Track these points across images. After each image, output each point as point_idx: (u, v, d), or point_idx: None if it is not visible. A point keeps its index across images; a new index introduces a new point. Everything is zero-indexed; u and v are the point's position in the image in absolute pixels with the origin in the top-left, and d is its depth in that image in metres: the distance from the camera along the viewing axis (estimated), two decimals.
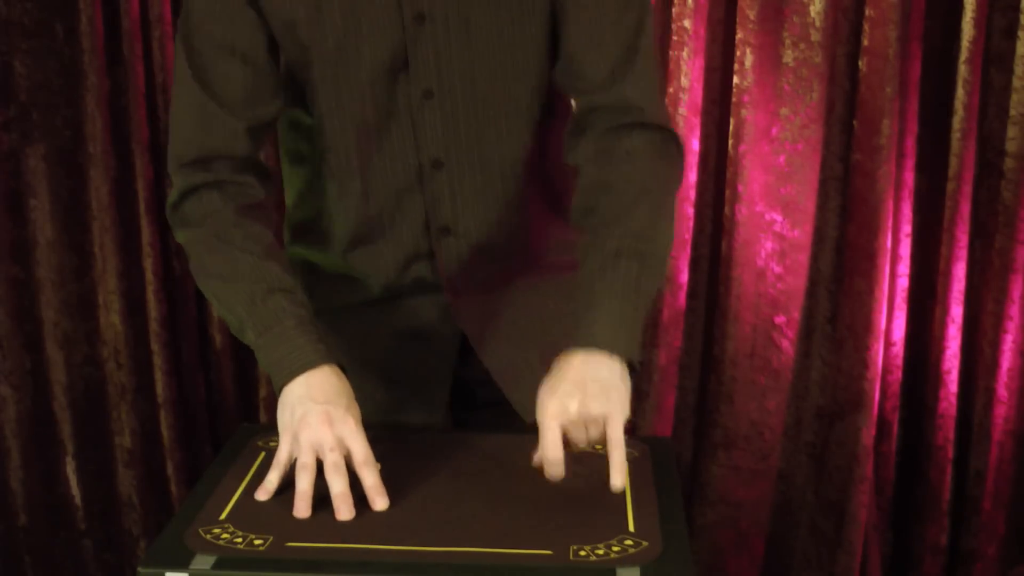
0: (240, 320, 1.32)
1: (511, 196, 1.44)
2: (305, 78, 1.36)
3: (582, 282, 1.30)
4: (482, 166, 1.41)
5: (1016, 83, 2.13)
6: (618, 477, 1.19)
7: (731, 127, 2.20)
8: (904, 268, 2.25)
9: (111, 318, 2.36)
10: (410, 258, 1.46)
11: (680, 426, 2.38)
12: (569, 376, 1.23)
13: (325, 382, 1.27)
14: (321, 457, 1.23)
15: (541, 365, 1.52)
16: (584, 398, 1.22)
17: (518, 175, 1.43)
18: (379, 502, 1.22)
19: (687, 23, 2.15)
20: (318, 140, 1.41)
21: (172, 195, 1.39)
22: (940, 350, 2.26)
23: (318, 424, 1.23)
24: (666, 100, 2.14)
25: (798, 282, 2.26)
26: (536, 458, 1.25)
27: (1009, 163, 2.17)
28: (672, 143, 1.38)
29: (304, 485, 1.21)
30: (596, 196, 1.34)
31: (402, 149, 1.38)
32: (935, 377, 2.28)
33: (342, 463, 1.22)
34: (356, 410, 1.28)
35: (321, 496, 1.22)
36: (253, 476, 1.30)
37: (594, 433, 1.23)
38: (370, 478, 1.23)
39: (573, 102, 1.38)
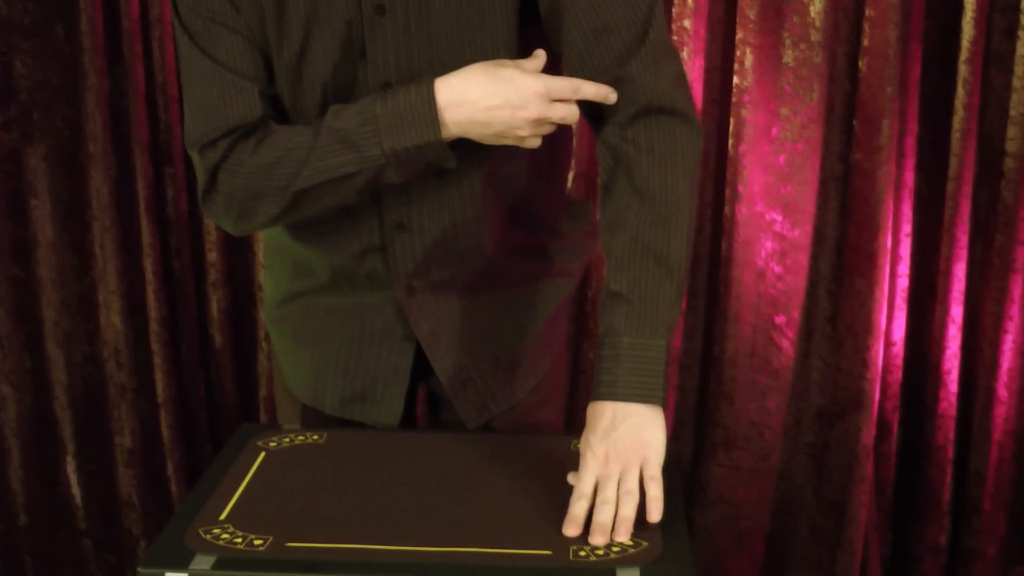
0: (344, 144, 1.30)
1: (469, 197, 1.40)
2: (271, 69, 1.35)
3: (603, 293, 1.30)
4: None
5: (1016, 83, 2.13)
6: (655, 511, 1.18)
7: (731, 127, 2.20)
8: (904, 268, 2.24)
9: (111, 318, 2.36)
10: (364, 249, 1.44)
11: (680, 426, 2.38)
12: (600, 428, 1.23)
13: (460, 82, 1.29)
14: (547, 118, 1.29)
15: (491, 376, 1.52)
16: (617, 449, 1.22)
17: (475, 177, 1.39)
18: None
19: (687, 23, 2.15)
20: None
21: (201, 177, 1.36)
22: (940, 350, 2.26)
23: (514, 119, 1.28)
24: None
25: (798, 282, 2.26)
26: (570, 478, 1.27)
27: (1009, 163, 2.17)
28: (690, 128, 1.33)
29: None
30: (606, 197, 1.32)
31: None
32: (935, 377, 2.28)
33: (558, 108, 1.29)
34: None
35: (321, 496, 1.22)
36: (253, 476, 1.30)
37: (630, 484, 1.21)
38: (590, 89, 1.29)
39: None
